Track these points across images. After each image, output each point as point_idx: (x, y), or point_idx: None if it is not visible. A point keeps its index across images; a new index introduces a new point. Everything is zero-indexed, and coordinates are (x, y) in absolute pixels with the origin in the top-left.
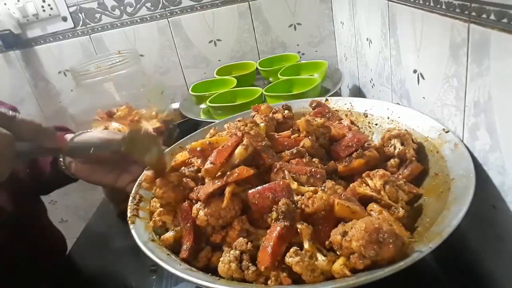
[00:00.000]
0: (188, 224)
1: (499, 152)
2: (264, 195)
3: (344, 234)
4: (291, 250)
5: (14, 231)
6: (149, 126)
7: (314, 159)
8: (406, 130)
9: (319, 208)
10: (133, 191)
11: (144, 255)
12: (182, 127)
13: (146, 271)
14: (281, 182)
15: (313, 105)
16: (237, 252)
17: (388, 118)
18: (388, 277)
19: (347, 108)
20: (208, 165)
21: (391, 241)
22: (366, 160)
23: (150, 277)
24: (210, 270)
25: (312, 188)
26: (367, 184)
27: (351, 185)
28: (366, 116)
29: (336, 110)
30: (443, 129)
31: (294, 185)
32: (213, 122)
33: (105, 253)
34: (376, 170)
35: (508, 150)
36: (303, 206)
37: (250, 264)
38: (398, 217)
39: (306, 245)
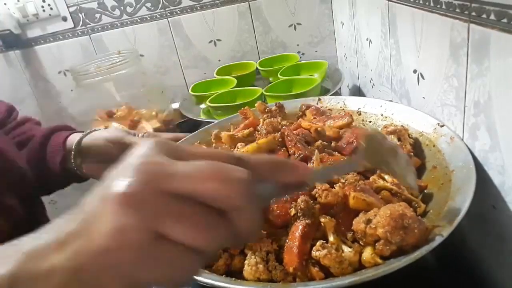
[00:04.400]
0: None
1: (499, 152)
2: (282, 201)
3: (368, 222)
4: (318, 243)
5: (20, 233)
6: (149, 126)
7: (335, 152)
8: (402, 125)
9: (331, 202)
10: None
11: None
12: (182, 127)
13: None
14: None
15: (303, 109)
16: (263, 253)
17: (382, 115)
18: (387, 277)
19: (341, 107)
20: None
21: (415, 226)
22: None
23: None
24: (229, 274)
25: (335, 176)
26: (384, 179)
27: (371, 178)
28: (360, 114)
29: (329, 109)
30: (438, 124)
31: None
32: (213, 122)
33: None
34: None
35: (508, 150)
36: (316, 195)
37: (277, 264)
38: (420, 213)
39: (331, 237)
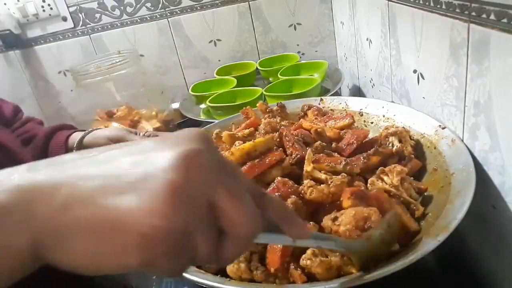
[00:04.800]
0: None
1: (499, 152)
2: None
3: (335, 219)
4: (309, 252)
5: None
6: (149, 126)
7: (334, 153)
8: (403, 127)
9: (316, 199)
10: None
11: None
12: (182, 127)
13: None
14: (278, 178)
15: (305, 109)
16: (247, 252)
17: (384, 116)
18: (387, 278)
19: (343, 107)
20: None
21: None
22: (382, 156)
23: (150, 277)
24: (220, 271)
25: (323, 177)
26: (383, 180)
27: (369, 180)
28: (362, 115)
29: (331, 110)
30: (439, 126)
31: (310, 167)
32: (213, 122)
33: None
34: (393, 165)
35: (508, 150)
36: (302, 192)
37: (259, 265)
38: (418, 215)
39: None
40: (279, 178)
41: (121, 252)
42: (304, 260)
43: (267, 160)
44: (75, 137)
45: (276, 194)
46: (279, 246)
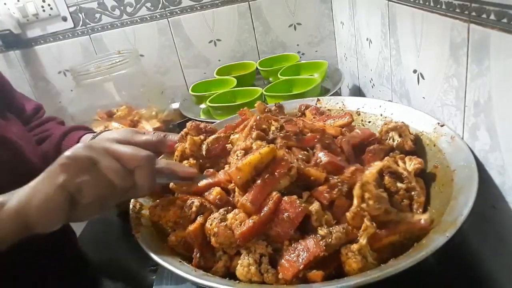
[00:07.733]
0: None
1: (499, 152)
2: (282, 219)
3: None
4: (355, 246)
5: None
6: (149, 126)
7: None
8: (402, 122)
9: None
10: (132, 200)
11: (146, 256)
12: (182, 127)
13: (146, 271)
14: (285, 198)
15: (302, 109)
16: (257, 255)
17: (381, 115)
18: (387, 276)
19: (340, 107)
20: (247, 202)
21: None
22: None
23: (150, 277)
24: (228, 274)
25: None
26: (398, 165)
27: (385, 158)
28: (359, 114)
29: (328, 110)
30: (438, 123)
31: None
32: (213, 122)
33: (105, 253)
34: (415, 156)
35: (508, 150)
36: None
37: (269, 267)
38: (420, 202)
39: (363, 241)
40: (285, 198)
41: None
42: (347, 249)
43: (276, 173)
44: (86, 138)
45: (285, 215)
46: (301, 264)
